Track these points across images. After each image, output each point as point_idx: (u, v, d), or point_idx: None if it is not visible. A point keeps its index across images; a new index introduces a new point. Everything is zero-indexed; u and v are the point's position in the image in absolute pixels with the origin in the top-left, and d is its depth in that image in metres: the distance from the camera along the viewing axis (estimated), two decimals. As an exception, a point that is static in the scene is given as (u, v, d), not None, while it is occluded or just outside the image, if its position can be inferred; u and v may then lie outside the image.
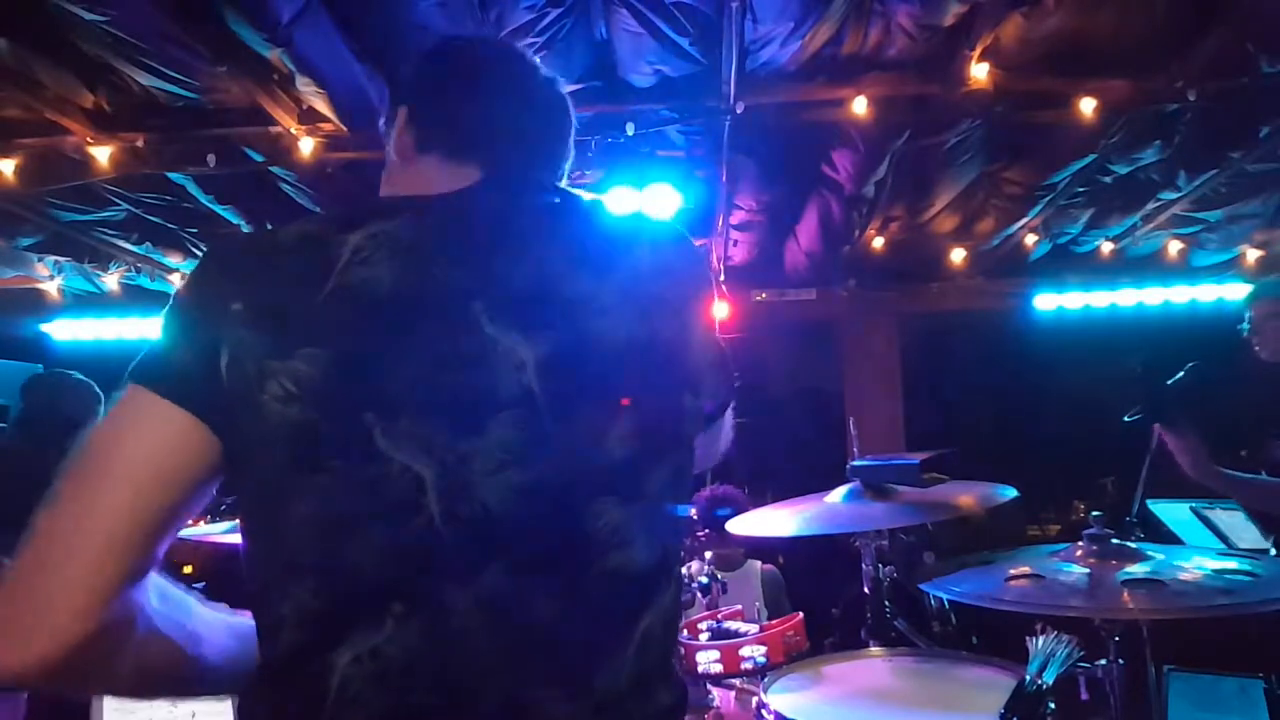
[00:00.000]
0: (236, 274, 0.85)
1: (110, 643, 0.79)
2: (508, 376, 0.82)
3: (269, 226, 4.21)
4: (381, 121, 1.11)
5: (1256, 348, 2.76)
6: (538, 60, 1.12)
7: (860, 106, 3.24)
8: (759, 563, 3.46)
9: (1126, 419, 2.86)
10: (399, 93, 1.10)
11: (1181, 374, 2.74)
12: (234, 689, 0.96)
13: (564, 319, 0.86)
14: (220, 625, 0.94)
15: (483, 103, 1.04)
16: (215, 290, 0.84)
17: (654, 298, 0.92)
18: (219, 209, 4.10)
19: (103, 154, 3.40)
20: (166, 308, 0.86)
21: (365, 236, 0.85)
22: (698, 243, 4.78)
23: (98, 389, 3.92)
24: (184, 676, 0.90)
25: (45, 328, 5.75)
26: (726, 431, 1.16)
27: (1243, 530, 2.71)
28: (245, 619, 0.96)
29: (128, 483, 0.79)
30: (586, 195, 1.03)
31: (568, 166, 1.13)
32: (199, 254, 4.75)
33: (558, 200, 0.99)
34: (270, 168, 3.63)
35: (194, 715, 1.84)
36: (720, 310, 5.34)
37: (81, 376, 3.19)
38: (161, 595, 0.86)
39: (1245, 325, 2.84)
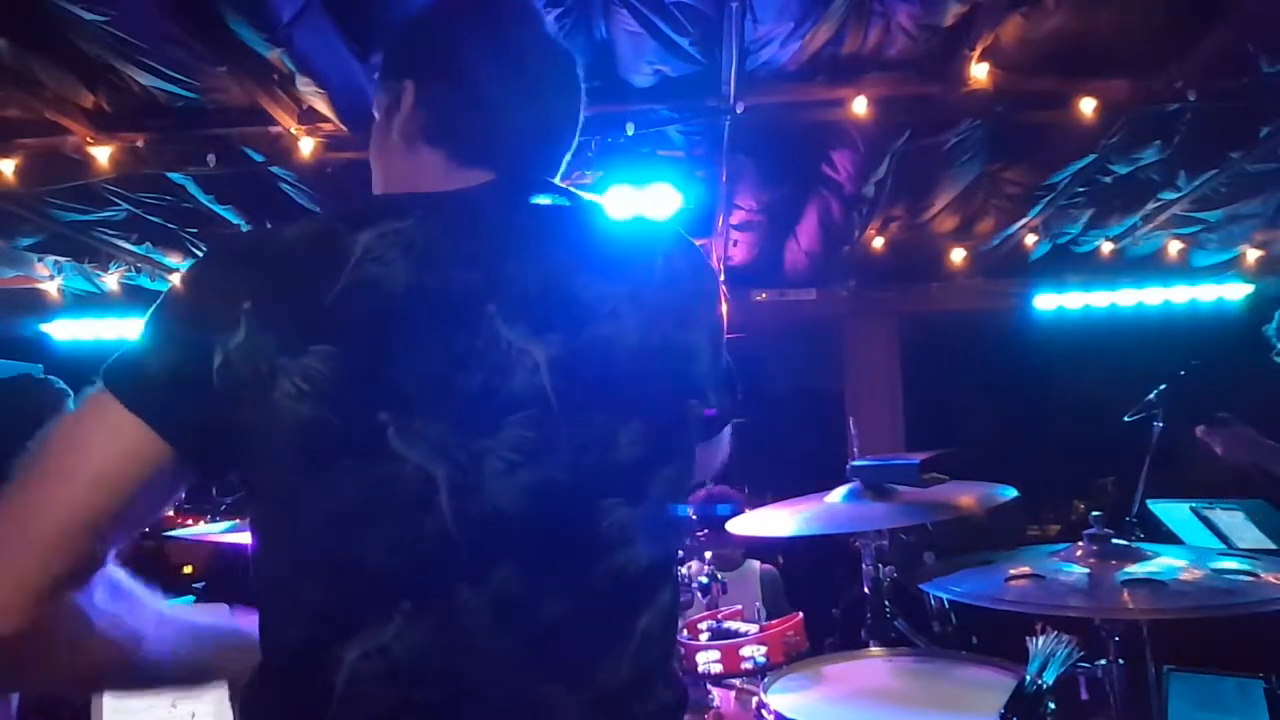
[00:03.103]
0: (243, 272, 0.84)
1: (45, 641, 0.78)
2: (521, 377, 0.83)
3: (269, 226, 4.23)
4: (376, 77, 1.03)
5: None
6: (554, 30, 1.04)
7: (860, 106, 3.24)
8: (758, 563, 3.46)
9: (1127, 419, 2.87)
10: (404, 61, 1.02)
11: (1182, 374, 2.75)
12: (192, 685, 0.96)
13: (577, 322, 0.86)
14: (172, 624, 0.92)
15: (503, 100, 0.97)
16: (218, 290, 0.83)
17: (666, 305, 0.93)
18: (219, 209, 4.10)
19: (103, 154, 3.40)
20: (155, 305, 0.84)
21: (377, 235, 0.84)
22: (698, 243, 4.79)
23: (62, 384, 3.97)
24: (128, 676, 0.89)
25: (45, 328, 5.74)
26: (725, 445, 1.16)
27: (1243, 530, 2.71)
28: (208, 618, 0.96)
29: (71, 485, 0.78)
30: (591, 198, 1.02)
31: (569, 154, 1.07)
32: (199, 254, 4.74)
33: (569, 202, 0.99)
34: (270, 168, 3.63)
35: (194, 716, 1.84)
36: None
37: (41, 375, 3.25)
38: (113, 593, 0.84)
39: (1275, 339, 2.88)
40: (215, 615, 0.96)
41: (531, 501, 0.81)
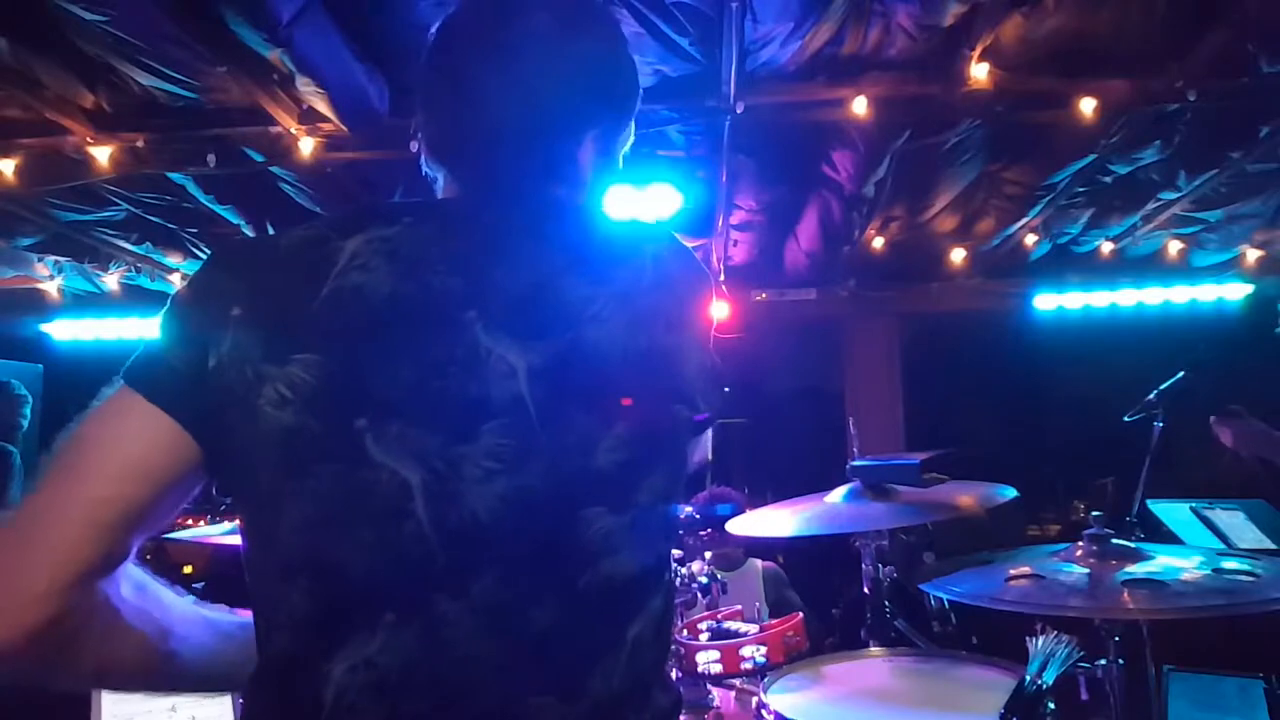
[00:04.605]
0: (237, 279, 0.85)
1: (72, 629, 0.79)
2: (500, 385, 0.82)
3: (269, 227, 4.23)
4: None
5: None
6: (570, 11, 0.99)
7: (860, 106, 3.24)
8: (759, 561, 3.46)
9: (1127, 419, 2.87)
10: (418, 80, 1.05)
11: (1182, 374, 2.75)
12: (215, 688, 0.96)
13: (559, 328, 0.85)
14: (200, 622, 0.93)
15: (468, 107, 0.95)
16: (214, 295, 0.84)
17: (651, 308, 0.91)
18: (219, 209, 4.10)
19: (103, 154, 3.40)
20: (165, 308, 0.86)
21: (363, 242, 0.85)
22: (698, 243, 4.79)
23: (22, 389, 4.21)
24: (152, 671, 0.90)
25: (45, 328, 5.74)
26: (705, 444, 1.16)
27: (1243, 530, 2.72)
28: (234, 617, 0.96)
29: (101, 474, 0.80)
30: (586, 200, 1.02)
31: (623, 132, 1.04)
32: (199, 254, 4.76)
33: (556, 205, 0.98)
34: (270, 168, 3.63)
35: (194, 719, 1.84)
36: (720, 310, 5.34)
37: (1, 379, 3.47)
38: (137, 588, 0.86)
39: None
40: (239, 618, 0.96)
41: (509, 510, 0.81)
